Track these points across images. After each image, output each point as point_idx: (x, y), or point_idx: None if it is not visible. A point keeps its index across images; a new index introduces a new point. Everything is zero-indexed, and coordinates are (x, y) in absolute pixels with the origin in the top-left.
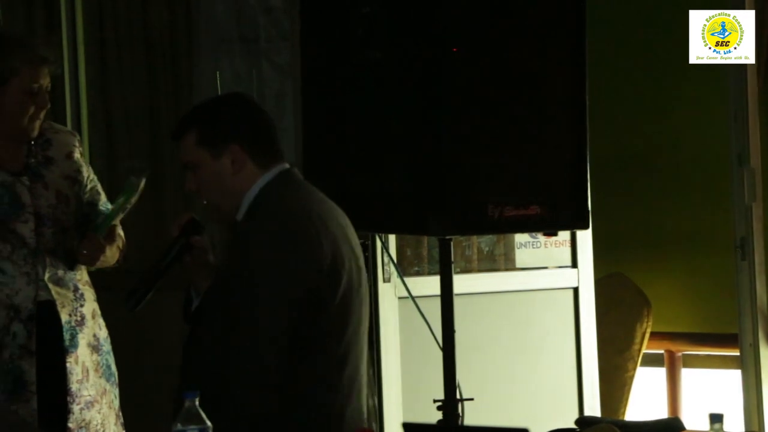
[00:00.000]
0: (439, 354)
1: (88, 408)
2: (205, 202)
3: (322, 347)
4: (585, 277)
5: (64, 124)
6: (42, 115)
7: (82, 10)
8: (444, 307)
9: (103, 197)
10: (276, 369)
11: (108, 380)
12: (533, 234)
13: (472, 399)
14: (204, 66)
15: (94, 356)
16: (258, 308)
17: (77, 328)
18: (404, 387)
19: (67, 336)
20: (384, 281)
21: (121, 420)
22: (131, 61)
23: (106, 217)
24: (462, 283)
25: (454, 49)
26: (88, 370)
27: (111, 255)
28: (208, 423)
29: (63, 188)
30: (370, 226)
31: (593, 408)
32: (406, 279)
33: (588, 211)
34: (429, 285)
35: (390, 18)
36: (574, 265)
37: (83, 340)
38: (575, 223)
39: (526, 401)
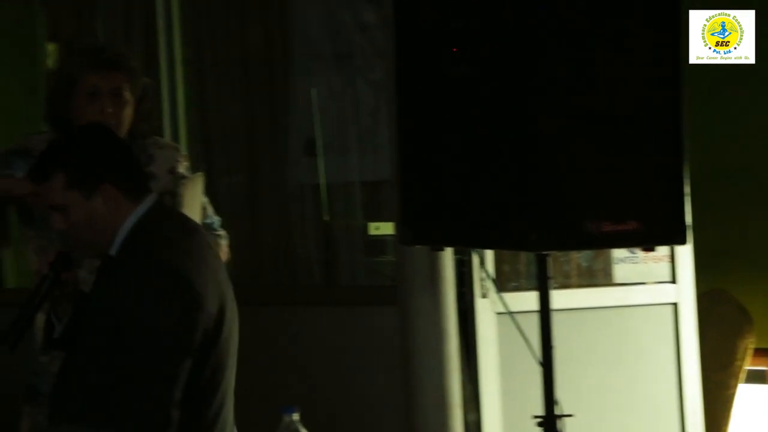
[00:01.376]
0: (538, 370)
1: None
2: (73, 241)
3: (208, 395)
4: (685, 292)
5: None
6: (116, 121)
7: (180, 29)
8: (542, 322)
9: (209, 209)
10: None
11: None
12: (631, 249)
13: (571, 415)
14: (299, 83)
15: None
16: (159, 358)
17: None
18: (503, 403)
19: None
20: (481, 297)
21: None
22: (228, 79)
23: None
24: (560, 298)
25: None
26: None
27: None
28: None
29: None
30: (467, 242)
31: (696, 426)
32: (503, 294)
33: (686, 225)
34: (527, 300)
35: (481, 33)
36: (674, 280)
37: None
38: (673, 238)
39: (625, 418)
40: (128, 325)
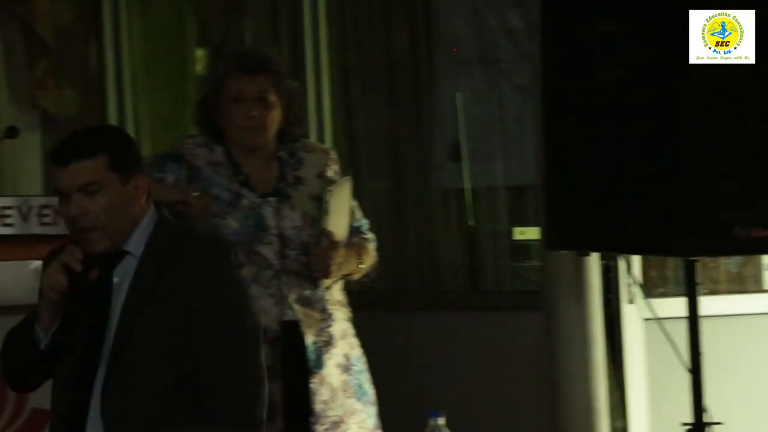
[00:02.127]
0: (686, 377)
1: (333, 428)
2: (88, 229)
3: None
4: None
5: None
6: (262, 126)
7: (326, 33)
8: (691, 329)
9: (357, 212)
10: None
11: (359, 399)
12: None
13: (720, 423)
14: (444, 88)
15: (344, 376)
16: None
17: (324, 349)
18: (651, 410)
19: (312, 356)
20: (628, 302)
21: None
22: (373, 83)
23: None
24: (709, 304)
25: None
26: (335, 390)
27: (347, 265)
28: None
29: (309, 209)
30: (613, 247)
31: None
32: (650, 300)
33: None
34: (674, 306)
35: (629, 35)
36: None
37: (330, 360)
38: None
39: None
40: (228, 323)
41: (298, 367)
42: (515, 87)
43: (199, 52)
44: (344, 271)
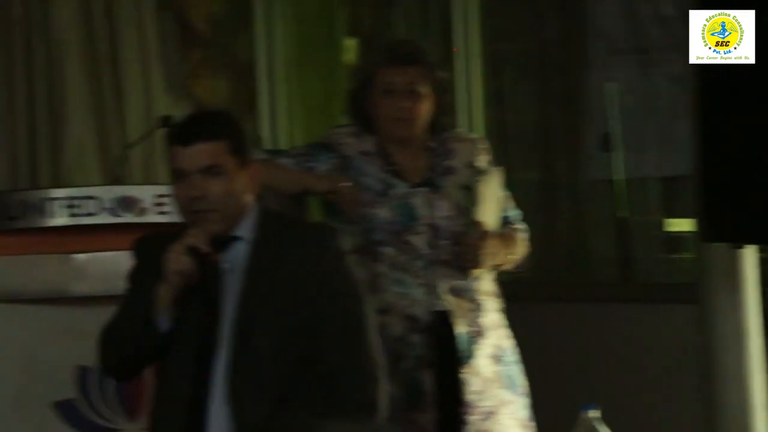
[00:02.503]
0: None
1: (486, 419)
2: (204, 211)
3: None
4: None
5: None
6: (412, 117)
7: (477, 23)
8: None
9: (510, 203)
10: None
11: (511, 390)
12: None
13: None
14: (595, 77)
15: (495, 367)
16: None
17: (475, 339)
18: None
19: (464, 347)
20: None
21: (531, 431)
22: (524, 73)
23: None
24: None
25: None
26: (487, 381)
27: (498, 255)
28: None
29: (459, 199)
30: None
31: None
32: None
33: None
34: None
35: None
36: None
37: (482, 350)
38: None
39: None
40: (347, 308)
41: (449, 357)
42: (667, 76)
43: (350, 42)
44: (495, 262)
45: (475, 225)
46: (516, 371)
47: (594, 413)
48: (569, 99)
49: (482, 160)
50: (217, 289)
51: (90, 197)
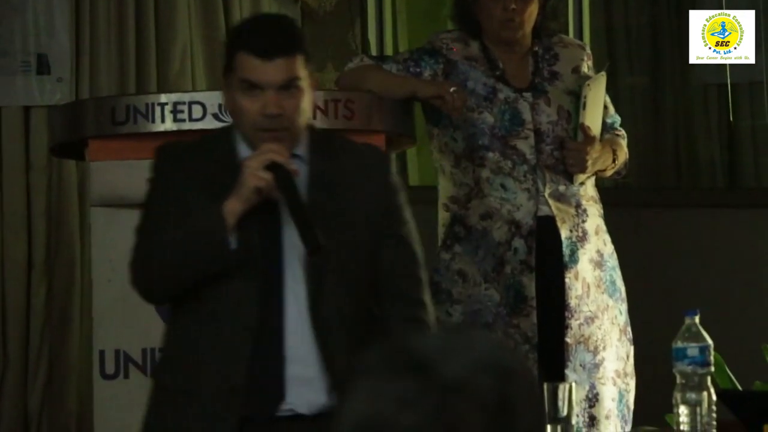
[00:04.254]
0: None
1: (587, 323)
2: (279, 129)
3: None
4: None
5: None
6: (520, 19)
7: None
8: None
9: (610, 108)
10: None
11: (612, 296)
12: None
13: None
14: None
15: (597, 272)
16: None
17: (578, 244)
18: None
19: (567, 251)
20: None
21: (629, 336)
22: None
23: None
24: None
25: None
26: (589, 286)
27: (602, 160)
28: (709, 341)
29: (565, 103)
30: None
31: None
32: None
33: None
34: None
35: None
36: None
37: (584, 255)
38: None
39: None
40: (407, 221)
41: (552, 262)
42: None
43: None
44: (599, 167)
45: (582, 129)
46: (616, 276)
47: (696, 318)
48: (680, 2)
49: (586, 66)
50: (310, 223)
51: (195, 102)
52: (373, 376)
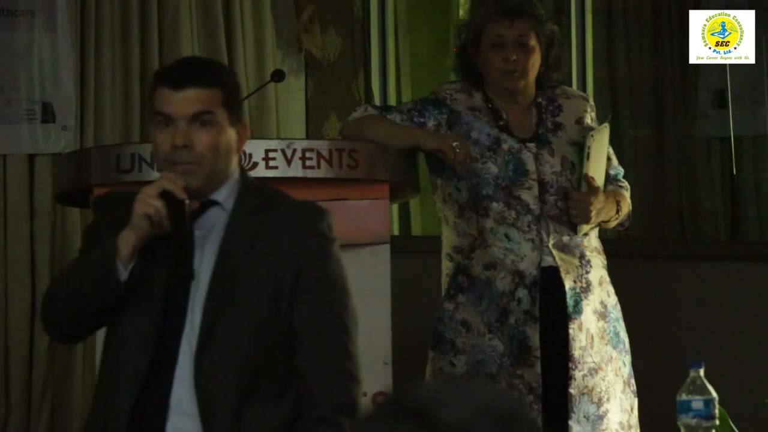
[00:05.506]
0: None
1: (591, 375)
2: (187, 163)
3: None
4: None
5: None
6: (522, 69)
7: None
8: None
9: (614, 159)
10: None
11: (615, 347)
12: None
13: None
14: None
15: (601, 323)
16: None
17: (582, 295)
18: None
19: (570, 302)
20: None
21: (632, 388)
22: (636, 29)
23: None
24: None
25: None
26: (593, 337)
27: (606, 211)
28: (714, 394)
29: (569, 154)
30: None
31: None
32: None
33: None
34: None
35: None
36: None
37: (588, 306)
38: None
39: None
40: (332, 296)
41: (556, 313)
42: None
43: None
44: (602, 218)
45: (586, 180)
46: (620, 328)
47: (701, 371)
48: (683, 54)
49: (590, 117)
50: (188, 256)
51: None
52: (374, 424)
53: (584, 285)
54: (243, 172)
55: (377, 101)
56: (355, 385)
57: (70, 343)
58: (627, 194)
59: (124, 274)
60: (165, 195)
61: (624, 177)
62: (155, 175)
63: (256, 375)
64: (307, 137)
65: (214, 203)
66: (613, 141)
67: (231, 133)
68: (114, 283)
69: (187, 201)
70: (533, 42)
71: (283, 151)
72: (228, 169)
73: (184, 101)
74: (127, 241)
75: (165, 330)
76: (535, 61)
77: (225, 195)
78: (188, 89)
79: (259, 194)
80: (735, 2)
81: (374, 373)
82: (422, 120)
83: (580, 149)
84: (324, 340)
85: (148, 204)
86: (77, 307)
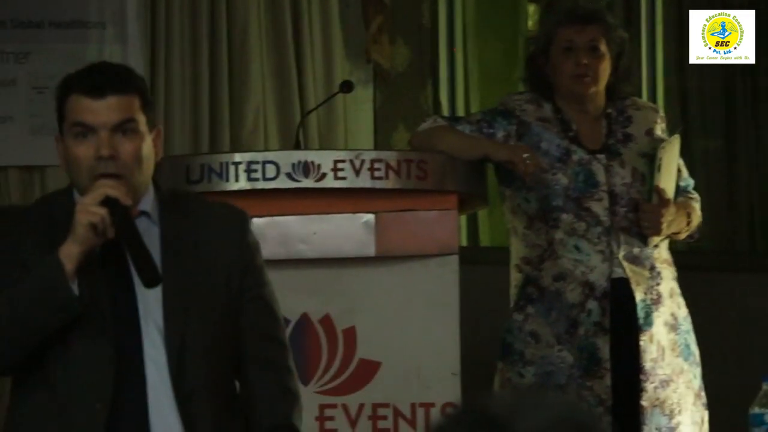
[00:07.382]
0: None
1: (662, 387)
2: (112, 175)
3: None
4: None
5: None
6: (593, 74)
7: None
8: None
9: (684, 171)
10: None
11: (686, 359)
12: None
13: None
14: None
15: (671, 335)
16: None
17: (652, 307)
18: None
19: (641, 314)
20: None
21: (703, 400)
22: None
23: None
24: None
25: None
26: (663, 349)
27: (677, 223)
28: None
29: (639, 166)
30: None
31: None
32: None
33: None
34: None
35: None
36: None
37: (659, 318)
38: None
39: None
40: (266, 281)
41: (627, 325)
42: None
43: (531, 8)
44: (673, 230)
45: (657, 192)
46: (691, 340)
47: None
48: (755, 64)
49: (660, 129)
50: (147, 254)
51: (269, 162)
52: None
53: (655, 297)
54: (154, 177)
55: (445, 112)
56: (291, 355)
57: (8, 374)
58: (697, 206)
59: (75, 289)
60: (107, 202)
61: (694, 188)
62: (224, 185)
63: (224, 389)
64: (375, 148)
65: (143, 213)
66: (684, 152)
67: (150, 139)
68: (70, 302)
69: (131, 206)
70: (604, 48)
71: (351, 161)
72: (150, 177)
73: (105, 110)
74: (70, 255)
75: (120, 353)
76: (606, 68)
77: (150, 204)
78: (109, 97)
79: (178, 200)
80: None
81: (443, 383)
82: (491, 131)
83: (650, 161)
84: (268, 314)
85: (91, 213)
86: (25, 336)
